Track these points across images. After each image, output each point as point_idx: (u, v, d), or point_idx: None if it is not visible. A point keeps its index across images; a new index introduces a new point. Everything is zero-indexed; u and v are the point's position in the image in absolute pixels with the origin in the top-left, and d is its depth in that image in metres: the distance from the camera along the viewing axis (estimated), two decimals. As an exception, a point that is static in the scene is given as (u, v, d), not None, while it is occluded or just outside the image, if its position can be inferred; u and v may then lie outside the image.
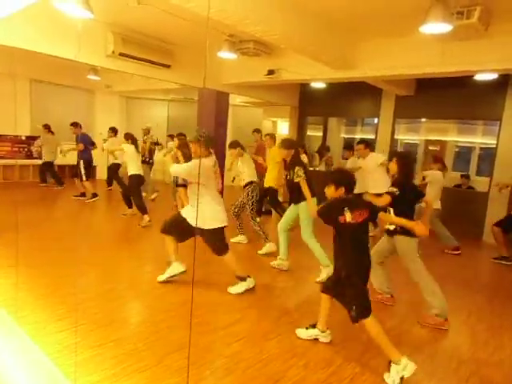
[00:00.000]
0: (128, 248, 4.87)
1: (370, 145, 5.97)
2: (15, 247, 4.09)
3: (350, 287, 2.47)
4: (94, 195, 7.49)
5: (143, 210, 5.90)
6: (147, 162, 8.05)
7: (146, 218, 5.86)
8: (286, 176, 4.20)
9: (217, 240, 3.51)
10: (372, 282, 3.35)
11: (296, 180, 3.76)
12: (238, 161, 5.37)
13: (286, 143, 4.18)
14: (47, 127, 8.50)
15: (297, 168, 3.81)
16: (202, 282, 3.70)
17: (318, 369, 2.41)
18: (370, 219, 2.55)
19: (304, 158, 5.87)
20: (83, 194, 7.60)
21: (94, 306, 3.05)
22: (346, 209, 2.45)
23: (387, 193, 3.21)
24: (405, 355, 2.32)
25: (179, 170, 3.51)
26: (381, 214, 2.63)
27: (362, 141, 6.07)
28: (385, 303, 3.50)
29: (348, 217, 2.44)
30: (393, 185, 3.29)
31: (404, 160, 3.37)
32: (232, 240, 5.18)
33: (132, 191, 6.15)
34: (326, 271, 3.86)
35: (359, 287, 2.49)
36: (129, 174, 6.02)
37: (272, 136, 6.30)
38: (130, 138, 6.23)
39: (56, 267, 3.83)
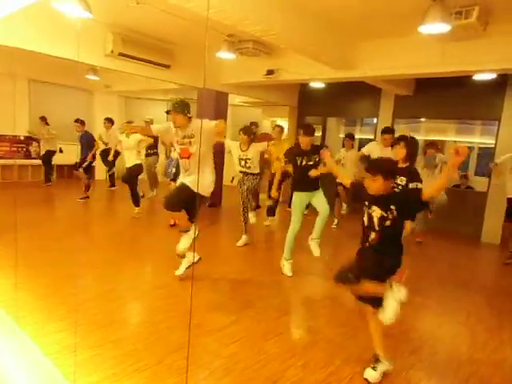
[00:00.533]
0: (128, 248, 4.87)
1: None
2: (14, 247, 4.09)
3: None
4: (86, 192, 7.41)
5: (137, 201, 6.20)
6: (153, 154, 7.74)
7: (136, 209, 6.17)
8: (301, 163, 3.98)
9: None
10: None
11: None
12: (247, 148, 5.15)
13: (311, 130, 4.08)
14: (44, 119, 8.62)
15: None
16: (201, 282, 3.69)
17: (316, 369, 2.41)
18: None
19: None
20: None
21: (94, 306, 3.05)
22: None
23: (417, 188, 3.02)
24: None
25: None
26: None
27: (390, 129, 5.42)
28: None
29: None
30: (409, 176, 3.12)
31: (413, 145, 3.26)
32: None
33: (131, 181, 6.28)
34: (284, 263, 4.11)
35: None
36: (129, 165, 6.15)
37: (282, 128, 6.25)
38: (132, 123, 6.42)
39: (56, 268, 3.83)
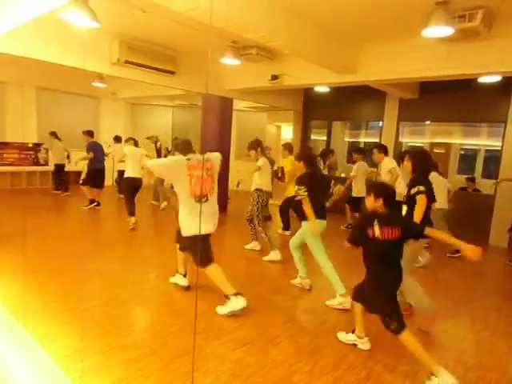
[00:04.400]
0: (135, 255, 4.90)
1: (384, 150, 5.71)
2: (23, 253, 4.15)
3: (378, 300, 2.54)
4: (91, 201, 7.34)
5: (130, 212, 6.02)
6: None
7: (132, 219, 5.96)
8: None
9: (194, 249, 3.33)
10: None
11: (296, 199, 3.54)
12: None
13: (297, 155, 3.94)
14: (53, 134, 8.71)
15: (296, 187, 3.52)
16: (207, 287, 3.70)
17: (322, 374, 2.41)
18: (403, 238, 2.48)
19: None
20: (92, 201, 7.44)
21: (101, 312, 3.07)
22: (375, 222, 2.46)
23: (418, 193, 3.10)
24: (442, 368, 2.29)
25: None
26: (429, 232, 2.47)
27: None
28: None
29: (376, 231, 2.44)
30: (412, 184, 3.20)
31: (418, 157, 3.30)
32: (246, 247, 5.24)
33: (123, 192, 6.35)
34: (340, 300, 3.46)
35: (383, 302, 2.51)
36: (125, 175, 6.16)
37: (286, 146, 5.95)
38: (131, 139, 6.57)
39: (63, 273, 3.87)
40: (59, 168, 8.81)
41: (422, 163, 3.29)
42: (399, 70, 5.00)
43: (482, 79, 5.88)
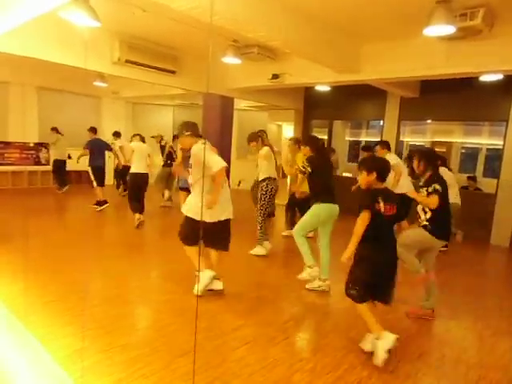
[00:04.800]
0: (136, 254, 4.90)
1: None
2: (23, 253, 4.15)
3: (356, 267, 2.60)
4: (104, 202, 7.13)
5: (133, 209, 6.03)
6: (169, 164, 7.74)
7: (137, 215, 5.95)
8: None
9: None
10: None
11: (299, 168, 3.74)
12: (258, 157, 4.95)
13: (303, 140, 4.10)
14: (55, 129, 8.79)
15: (305, 162, 3.72)
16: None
17: (323, 373, 2.40)
18: (396, 216, 2.60)
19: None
20: (99, 203, 7.21)
21: (102, 311, 3.07)
22: (379, 198, 2.50)
23: (433, 192, 3.09)
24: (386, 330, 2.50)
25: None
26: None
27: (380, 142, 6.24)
28: (428, 319, 3.32)
29: (382, 207, 2.49)
30: (427, 183, 3.20)
31: (427, 155, 3.33)
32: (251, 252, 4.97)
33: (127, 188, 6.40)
34: (307, 272, 3.84)
35: (363, 272, 2.55)
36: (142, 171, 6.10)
37: (296, 141, 5.71)
38: (137, 135, 6.54)
39: (63, 273, 3.87)
40: (60, 164, 8.79)
41: (433, 162, 3.30)
42: (400, 69, 4.99)
43: (484, 78, 5.86)
